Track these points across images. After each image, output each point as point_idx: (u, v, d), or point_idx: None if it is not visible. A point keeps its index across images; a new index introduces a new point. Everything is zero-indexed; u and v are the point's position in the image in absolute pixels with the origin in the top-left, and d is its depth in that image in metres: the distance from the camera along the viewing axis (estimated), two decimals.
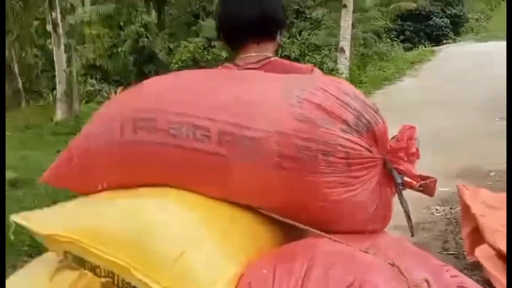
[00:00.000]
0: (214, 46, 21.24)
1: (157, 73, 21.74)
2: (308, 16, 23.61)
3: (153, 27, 22.92)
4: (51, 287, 1.79)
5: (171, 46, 23.26)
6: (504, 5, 33.91)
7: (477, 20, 30.07)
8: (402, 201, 1.88)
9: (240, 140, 1.70)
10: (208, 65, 21.10)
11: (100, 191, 1.93)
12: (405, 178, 1.80)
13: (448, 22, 27.00)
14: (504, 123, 10.47)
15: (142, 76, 22.02)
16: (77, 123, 12.70)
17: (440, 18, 26.75)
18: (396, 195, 1.86)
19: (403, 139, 1.79)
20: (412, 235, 1.89)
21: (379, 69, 18.21)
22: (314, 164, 1.67)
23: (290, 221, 1.77)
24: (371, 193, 1.77)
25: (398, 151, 1.78)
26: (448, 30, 26.99)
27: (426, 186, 1.84)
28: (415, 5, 24.98)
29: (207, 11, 25.02)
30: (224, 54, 20.34)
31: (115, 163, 1.89)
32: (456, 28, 27.68)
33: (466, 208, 4.60)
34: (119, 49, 22.51)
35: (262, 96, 1.77)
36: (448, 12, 27.23)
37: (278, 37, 2.27)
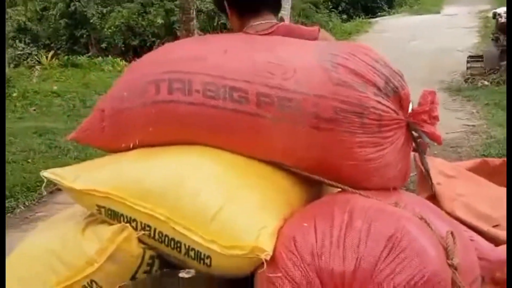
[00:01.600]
0: (149, 12, 20.84)
1: (89, 37, 21.35)
2: None
3: None
4: (86, 240, 1.89)
5: (104, 11, 22.62)
6: None
7: None
8: (424, 161, 2.14)
9: (278, 102, 1.82)
10: (143, 31, 20.72)
11: (131, 149, 2.03)
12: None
13: None
14: (444, 94, 10.79)
15: (73, 40, 21.38)
16: (6, 87, 12.31)
17: None
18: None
19: (426, 103, 1.96)
20: (432, 191, 2.24)
21: None
22: (349, 125, 1.82)
23: (323, 179, 1.92)
24: (398, 152, 1.94)
25: (421, 114, 1.94)
26: (382, 3, 27.33)
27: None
28: None
29: None
30: (159, 20, 20.01)
31: (149, 123, 1.97)
32: (391, 1, 28.06)
33: (422, 176, 4.65)
34: (50, 13, 21.73)
35: (296, 60, 1.89)
36: None
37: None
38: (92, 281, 1.85)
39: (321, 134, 1.83)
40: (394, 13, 26.89)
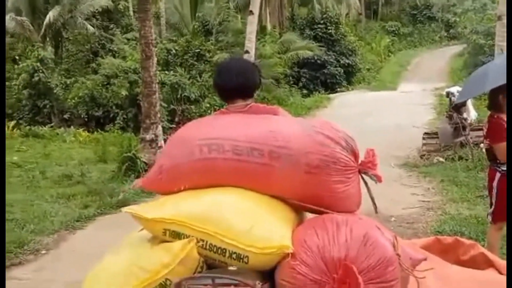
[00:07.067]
0: (113, 84, 21.05)
1: (52, 108, 21.33)
2: (208, 60, 23.94)
3: (49, 62, 22.30)
4: (159, 251, 2.75)
5: (68, 82, 22.75)
6: (392, 58, 35.98)
7: (368, 70, 31.59)
8: (370, 192, 3.09)
9: (283, 156, 2.78)
10: (107, 102, 20.81)
11: (181, 191, 2.90)
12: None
13: (342, 71, 28.18)
14: (400, 170, 11.04)
15: (35, 110, 21.32)
16: None
17: (335, 67, 27.88)
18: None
19: (369, 156, 2.98)
20: (376, 212, 3.15)
21: None
22: (328, 170, 2.82)
23: (311, 206, 2.91)
24: (356, 188, 2.94)
25: (367, 163, 2.97)
26: (341, 79, 28.13)
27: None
28: (311, 53, 25.97)
29: (107, 49, 24.76)
30: (123, 91, 20.14)
31: (195, 173, 2.87)
32: (349, 77, 28.93)
33: None
34: (13, 83, 21.71)
35: (289, 129, 2.88)
36: (342, 62, 28.47)
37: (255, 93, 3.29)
38: (166, 279, 2.68)
39: (310, 176, 2.80)
40: (352, 89, 27.60)
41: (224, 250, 2.67)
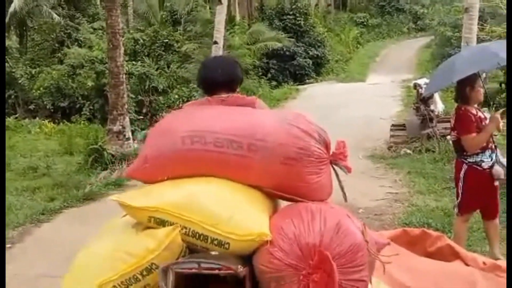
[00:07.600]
0: (79, 74, 20.77)
1: (16, 98, 20.98)
2: (176, 50, 23.75)
3: (14, 52, 21.89)
4: (145, 237, 2.87)
5: (33, 72, 22.38)
6: (360, 49, 36.15)
7: (337, 61, 31.60)
8: (340, 182, 3.21)
9: (260, 148, 2.95)
10: (73, 93, 20.50)
11: (164, 180, 3.05)
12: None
13: (311, 62, 28.12)
14: (367, 161, 11.09)
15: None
16: None
17: (303, 58, 27.80)
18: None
19: (340, 148, 3.13)
20: (346, 201, 3.25)
21: None
22: (302, 161, 2.97)
23: (286, 195, 3.08)
24: (327, 178, 3.09)
25: (339, 155, 3.13)
26: (310, 70, 28.06)
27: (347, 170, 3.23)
28: (280, 44, 25.91)
29: (73, 38, 24.40)
30: (89, 82, 19.87)
31: (178, 163, 3.02)
32: (318, 68, 28.89)
33: None
34: None
35: (267, 122, 3.03)
36: (311, 53, 28.39)
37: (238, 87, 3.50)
38: (152, 263, 2.82)
39: (286, 167, 2.96)
40: (321, 81, 27.59)
41: (206, 237, 2.84)
